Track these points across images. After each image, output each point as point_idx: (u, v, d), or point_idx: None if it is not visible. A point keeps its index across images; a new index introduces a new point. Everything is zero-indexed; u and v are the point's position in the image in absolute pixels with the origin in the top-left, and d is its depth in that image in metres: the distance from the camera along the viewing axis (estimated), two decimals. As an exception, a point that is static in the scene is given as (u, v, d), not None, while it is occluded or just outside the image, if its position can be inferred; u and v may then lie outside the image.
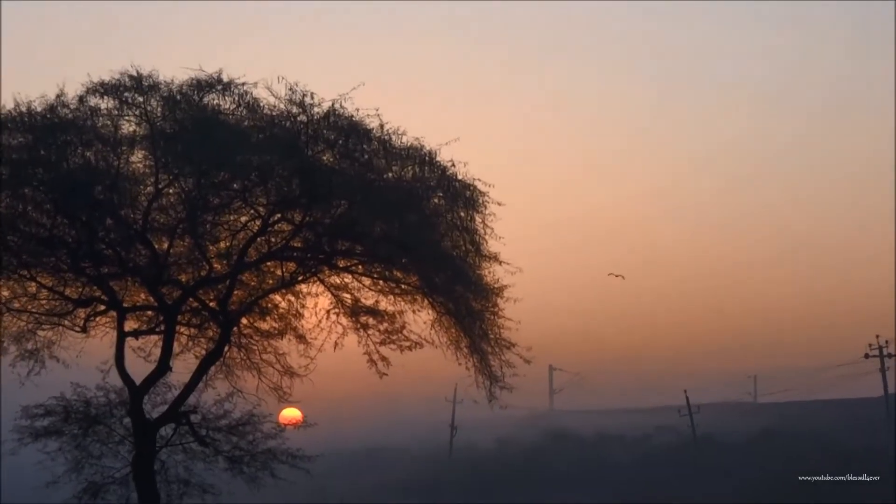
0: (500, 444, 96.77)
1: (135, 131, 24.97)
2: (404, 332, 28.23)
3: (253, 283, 28.13)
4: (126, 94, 24.64)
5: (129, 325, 27.46)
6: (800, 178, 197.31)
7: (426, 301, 27.83)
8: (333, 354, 28.45)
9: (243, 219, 26.53)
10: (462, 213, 26.81)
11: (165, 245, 26.06)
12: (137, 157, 25.23)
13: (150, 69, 24.65)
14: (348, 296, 28.40)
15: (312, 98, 24.87)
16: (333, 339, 28.27)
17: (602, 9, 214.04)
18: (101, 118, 24.60)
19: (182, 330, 28.02)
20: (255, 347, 28.99)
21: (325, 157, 25.50)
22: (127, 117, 24.84)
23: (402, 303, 28.13)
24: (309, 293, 28.50)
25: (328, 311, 28.39)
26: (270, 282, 28.03)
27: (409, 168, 26.16)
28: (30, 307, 27.06)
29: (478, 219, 26.93)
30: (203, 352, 28.09)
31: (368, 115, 25.11)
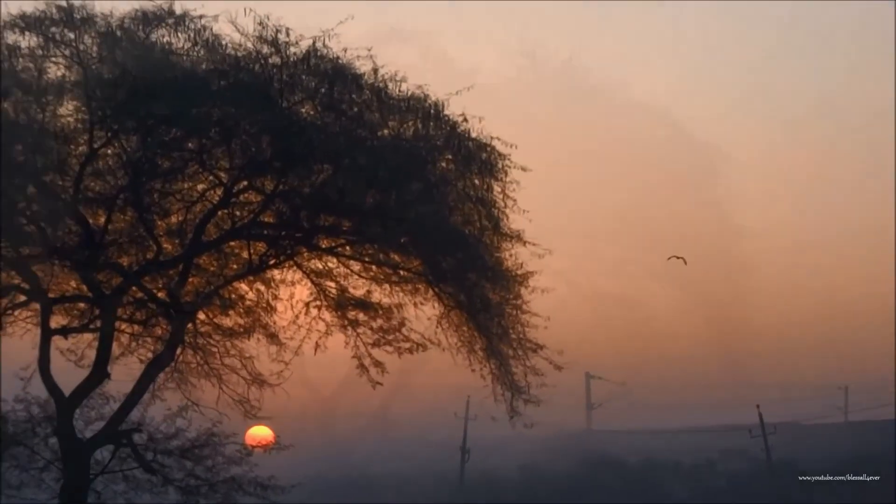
0: (523, 473, 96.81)
1: (64, 76, 25.03)
2: (403, 330, 28.38)
3: (212, 269, 28.18)
4: (53, 28, 24.67)
5: (57, 320, 27.53)
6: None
7: (431, 291, 27.94)
8: (314, 359, 28.59)
9: (200, 187, 26.59)
10: (476, 181, 26.87)
11: (102, 220, 26.11)
12: (67, 108, 25.32)
13: (83, -2, 24.70)
14: (332, 284, 28.49)
15: (288, 35, 24.90)
16: (314, 340, 28.45)
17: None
18: (20, 59, 24.63)
19: (123, 327, 28.12)
20: (216, 349, 29.15)
21: (303, 110, 25.55)
22: (54, 58, 24.91)
23: (401, 294, 28.28)
24: (283, 281, 28.67)
25: (307, 305, 28.53)
26: (234, 267, 28.07)
27: (410, 124, 26.18)
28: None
29: (496, 188, 26.99)
30: (149, 354, 28.25)
31: (359, 56, 25.15)
